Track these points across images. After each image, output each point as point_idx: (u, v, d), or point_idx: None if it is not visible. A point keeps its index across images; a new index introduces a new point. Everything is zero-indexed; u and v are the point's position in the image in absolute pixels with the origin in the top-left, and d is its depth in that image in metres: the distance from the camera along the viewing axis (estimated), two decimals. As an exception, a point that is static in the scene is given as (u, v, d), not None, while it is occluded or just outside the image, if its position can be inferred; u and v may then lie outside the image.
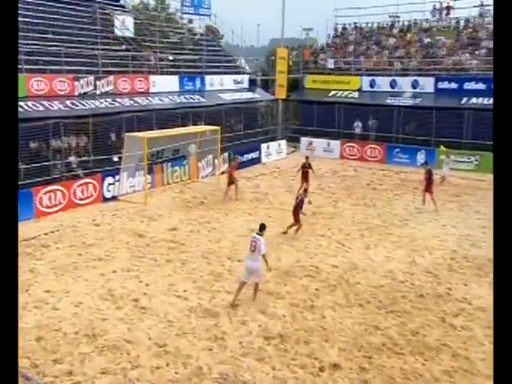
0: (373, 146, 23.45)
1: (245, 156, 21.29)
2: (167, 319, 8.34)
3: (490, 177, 19.20)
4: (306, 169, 16.74)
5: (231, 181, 16.14)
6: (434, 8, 30.41)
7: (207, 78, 25.17)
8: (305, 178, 16.62)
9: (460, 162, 20.66)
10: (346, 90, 27.07)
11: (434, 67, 26.10)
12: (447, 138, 21.72)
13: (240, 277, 9.17)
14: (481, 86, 23.58)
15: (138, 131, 17.50)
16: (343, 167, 21.63)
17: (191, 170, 18.79)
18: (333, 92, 27.27)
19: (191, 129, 19.56)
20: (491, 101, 22.73)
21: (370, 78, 26.99)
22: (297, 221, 12.64)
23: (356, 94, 26.70)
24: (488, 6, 28.49)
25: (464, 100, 23.24)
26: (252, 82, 27.95)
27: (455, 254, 11.51)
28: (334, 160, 21.41)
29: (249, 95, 26.63)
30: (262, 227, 9.08)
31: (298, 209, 12.62)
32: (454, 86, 24.28)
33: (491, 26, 27.63)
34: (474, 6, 28.99)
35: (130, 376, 6.77)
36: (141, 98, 20.96)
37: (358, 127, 25.16)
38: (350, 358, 7.36)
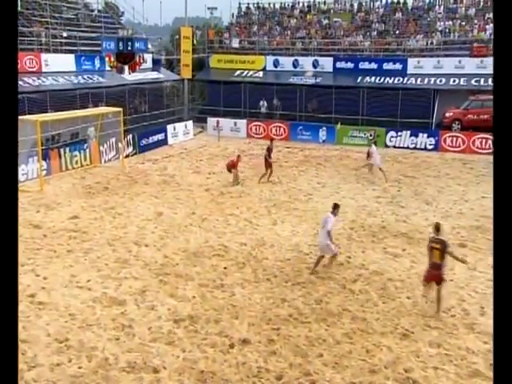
0: (278, 124, 24.00)
1: (150, 138, 20.66)
2: (69, 312, 7.91)
3: (382, 150, 20.75)
4: (269, 151, 16.19)
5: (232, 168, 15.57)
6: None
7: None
8: (267, 161, 16.00)
9: (357, 137, 22.06)
10: (251, 70, 27.31)
11: (332, 48, 27.24)
12: (345, 115, 22.99)
13: None
14: (373, 65, 25.17)
15: (30, 114, 16.21)
16: (250, 146, 21.91)
17: (92, 155, 17.81)
18: (238, 72, 27.35)
19: (91, 111, 18.48)
20: (382, 79, 24.41)
21: (274, 57, 27.48)
22: None
23: (261, 74, 27.08)
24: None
25: (359, 79, 24.63)
26: (156, 62, 27.05)
27: (354, 224, 12.27)
28: (241, 139, 21.61)
29: (153, 75, 25.75)
30: (334, 206, 9.54)
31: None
32: (350, 65, 25.62)
33: (381, 10, 29.48)
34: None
35: (27, 378, 6.32)
36: (31, 78, 19.39)
37: (263, 106, 25.59)
38: (258, 332, 7.56)
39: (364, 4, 30.14)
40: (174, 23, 45.45)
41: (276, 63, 27.31)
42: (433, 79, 23.71)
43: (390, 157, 19.88)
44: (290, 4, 32.24)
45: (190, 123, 24.25)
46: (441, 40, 25.52)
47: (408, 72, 24.48)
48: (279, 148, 21.64)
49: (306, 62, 26.55)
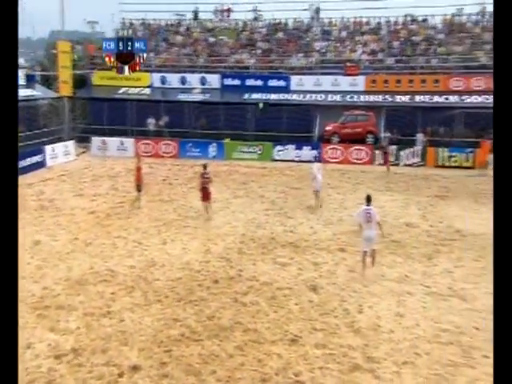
0: (167, 142, 23.76)
1: (24, 160, 19.02)
2: None
3: (270, 164, 21.72)
4: (205, 179, 14.18)
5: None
6: (216, 9, 32.47)
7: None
8: (205, 189, 14.10)
9: (245, 152, 22.75)
10: (138, 87, 26.74)
11: (218, 65, 27.85)
12: (234, 131, 23.57)
13: (363, 248, 10.17)
14: (259, 82, 26.23)
15: None
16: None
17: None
18: (123, 89, 26.62)
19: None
20: (269, 96, 25.52)
21: (161, 74, 27.23)
22: None
23: (148, 91, 26.67)
24: (261, 11, 31.88)
25: (246, 95, 25.47)
26: (30, 78, 25.17)
27: (244, 238, 12.50)
28: (129, 158, 20.90)
29: (27, 92, 23.86)
30: (369, 199, 10.01)
31: None
32: (237, 82, 26.41)
33: (264, 29, 30.97)
34: (249, 11, 32.08)
35: None
36: None
37: (151, 124, 25.12)
38: (149, 356, 7.32)
39: (248, 23, 31.41)
40: (50, 37, 42.76)
41: (163, 80, 27.11)
42: (313, 95, 25.39)
43: (277, 170, 20.77)
44: (176, 21, 32.43)
45: (71, 143, 22.85)
46: (318, 59, 27.52)
47: (291, 89, 25.94)
48: (168, 166, 21.44)
49: (194, 79, 26.78)
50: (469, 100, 23.42)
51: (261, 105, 22.48)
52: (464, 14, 29.09)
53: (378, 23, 29.84)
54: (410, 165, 21.64)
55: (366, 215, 9.90)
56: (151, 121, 25.09)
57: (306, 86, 25.91)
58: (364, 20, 30.06)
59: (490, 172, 20.03)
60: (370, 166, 21.75)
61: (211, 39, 30.25)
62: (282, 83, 26.20)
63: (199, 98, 25.74)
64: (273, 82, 26.29)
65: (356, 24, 30.13)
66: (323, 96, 25.26)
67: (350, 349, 7.52)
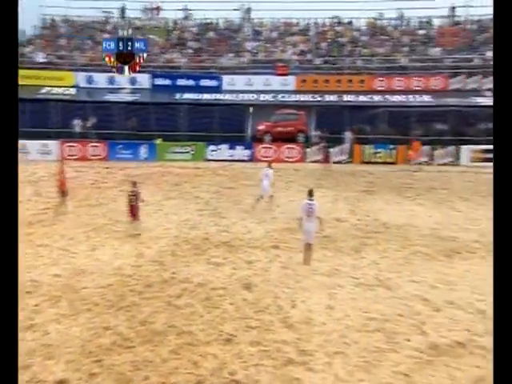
0: (95, 144, 22.87)
1: None
2: None
3: (203, 164, 21.59)
4: (132, 197, 12.78)
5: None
6: (145, 7, 31.78)
7: None
8: (132, 207, 12.68)
9: (178, 152, 22.47)
10: (61, 87, 25.50)
11: (148, 64, 27.22)
12: (166, 132, 23.20)
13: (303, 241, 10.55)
14: (191, 82, 26.04)
15: None
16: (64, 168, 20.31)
17: None
18: (46, 89, 25.28)
19: None
20: (201, 96, 25.37)
21: (87, 74, 26.14)
22: None
23: (73, 91, 25.54)
24: (191, 10, 31.62)
25: (178, 95, 25.15)
26: None
27: (177, 240, 12.31)
28: (53, 162, 19.82)
29: None
30: (311, 193, 10.33)
31: None
32: (168, 82, 26.03)
33: (195, 29, 30.73)
34: (179, 10, 31.73)
35: None
36: None
37: (77, 125, 24.02)
38: (77, 369, 6.98)
39: (179, 22, 31.02)
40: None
41: (90, 80, 26.05)
42: (246, 95, 25.60)
43: (210, 170, 20.69)
44: (104, 18, 31.34)
45: (-13, 147, 21.27)
46: (250, 59, 27.78)
47: (223, 88, 25.97)
48: (97, 169, 20.66)
49: (123, 79, 25.95)
50: (391, 99, 24.78)
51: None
52: (385, 19, 30.75)
53: (307, 24, 30.70)
54: (339, 162, 22.45)
55: (308, 209, 10.27)
56: (77, 122, 23.99)
57: (238, 86, 26.08)
58: (294, 21, 30.80)
59: (412, 167, 21.41)
60: (302, 163, 22.30)
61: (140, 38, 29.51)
62: (213, 83, 26.17)
63: (129, 98, 25.03)
64: (205, 82, 26.21)
65: (286, 25, 30.79)
66: (255, 96, 25.54)
67: (284, 344, 7.64)
